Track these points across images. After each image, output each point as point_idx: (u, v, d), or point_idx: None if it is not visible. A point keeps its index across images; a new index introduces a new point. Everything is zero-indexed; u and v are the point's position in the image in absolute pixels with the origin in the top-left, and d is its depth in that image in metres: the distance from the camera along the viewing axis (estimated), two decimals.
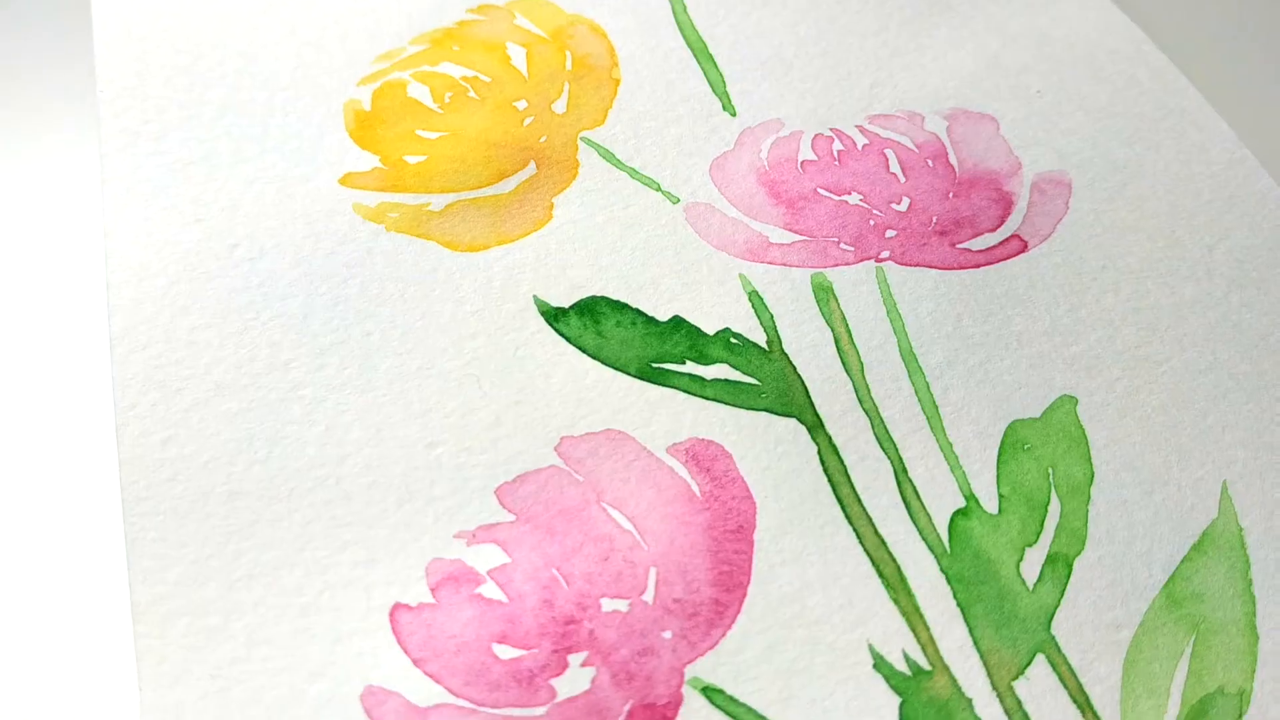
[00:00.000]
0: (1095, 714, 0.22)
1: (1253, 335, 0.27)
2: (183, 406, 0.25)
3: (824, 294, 0.27)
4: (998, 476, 0.25)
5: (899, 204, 0.28)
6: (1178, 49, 0.32)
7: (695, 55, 0.31)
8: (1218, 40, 0.34)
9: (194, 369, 0.25)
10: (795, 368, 0.26)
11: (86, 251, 0.28)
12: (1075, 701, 0.23)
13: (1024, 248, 0.28)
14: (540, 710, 0.22)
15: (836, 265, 0.27)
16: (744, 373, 0.26)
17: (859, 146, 0.29)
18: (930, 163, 0.29)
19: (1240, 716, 0.23)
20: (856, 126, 0.30)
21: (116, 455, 0.24)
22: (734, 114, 0.30)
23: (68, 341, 0.27)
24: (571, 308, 0.27)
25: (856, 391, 0.26)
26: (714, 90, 0.31)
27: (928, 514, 0.24)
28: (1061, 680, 0.23)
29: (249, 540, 0.23)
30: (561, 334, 0.26)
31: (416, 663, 0.22)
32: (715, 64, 0.31)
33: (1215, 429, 0.26)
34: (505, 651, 0.22)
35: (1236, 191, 0.29)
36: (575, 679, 0.22)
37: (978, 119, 0.30)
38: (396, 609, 0.23)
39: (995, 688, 0.23)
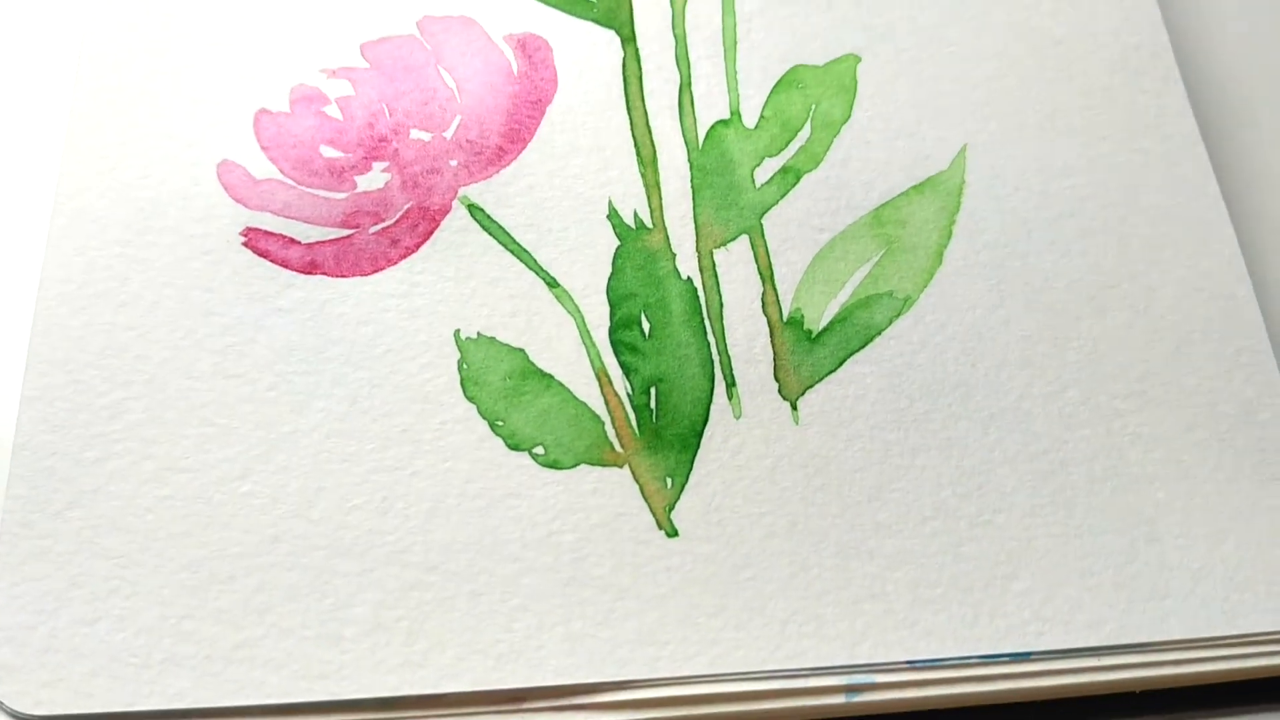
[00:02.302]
0: (774, 286, 0.28)
1: (1048, 42, 0.31)
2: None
3: None
4: (765, 103, 0.30)
5: None
6: None
7: None
8: None
9: None
10: None
11: None
12: (761, 275, 0.28)
13: None
14: (342, 195, 0.28)
15: None
16: None
17: None
18: None
19: (898, 315, 0.28)
20: None
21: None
22: None
23: None
24: None
25: (673, 19, 0.30)
26: None
27: (695, 119, 0.29)
28: (755, 257, 0.28)
29: (181, 77, 0.30)
30: None
31: (263, 149, 0.29)
32: None
33: (975, 102, 0.30)
34: (329, 151, 0.29)
35: None
36: (373, 179, 0.28)
37: None
38: (260, 113, 0.29)
39: (699, 251, 0.28)
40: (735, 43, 0.30)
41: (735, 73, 0.30)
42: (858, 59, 0.30)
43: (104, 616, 0.24)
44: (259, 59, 0.30)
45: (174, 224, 0.28)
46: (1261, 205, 0.30)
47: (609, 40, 0.30)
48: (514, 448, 0.26)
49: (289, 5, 0.31)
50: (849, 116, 0.29)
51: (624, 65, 0.30)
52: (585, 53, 0.30)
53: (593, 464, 0.26)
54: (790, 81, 0.30)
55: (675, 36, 0.30)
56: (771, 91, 0.30)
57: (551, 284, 0.27)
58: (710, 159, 0.29)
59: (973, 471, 0.26)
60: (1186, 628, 0.25)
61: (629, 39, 0.30)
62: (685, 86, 0.30)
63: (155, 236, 0.28)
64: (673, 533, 0.25)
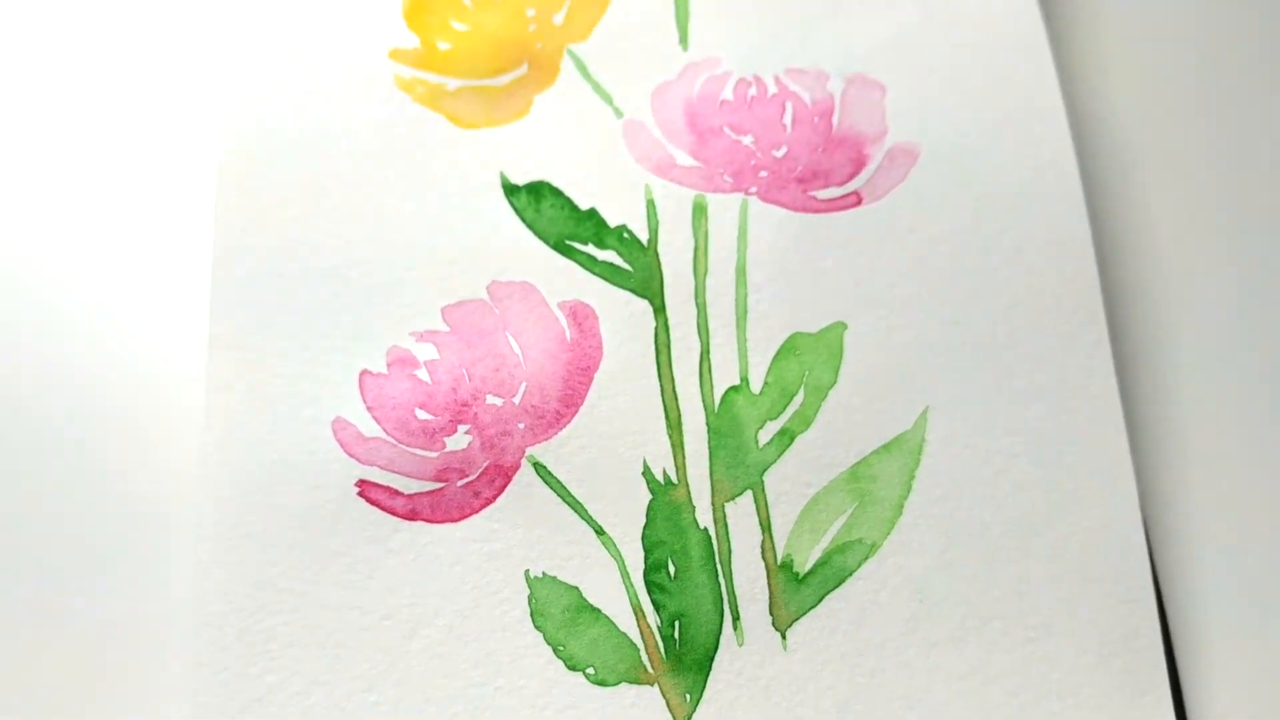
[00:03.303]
0: (770, 535, 0.36)
1: (1002, 307, 0.38)
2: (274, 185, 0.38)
3: (699, 212, 0.38)
4: (769, 369, 0.37)
5: (778, 150, 0.38)
6: (1074, 51, 0.40)
7: None
8: (1114, 53, 0.41)
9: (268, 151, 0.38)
10: (660, 264, 0.37)
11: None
12: (761, 524, 0.36)
13: (858, 202, 0.38)
14: (434, 454, 0.36)
15: (716, 191, 0.38)
16: (625, 260, 0.37)
17: (769, 94, 0.39)
18: (816, 119, 0.39)
19: (866, 558, 0.36)
20: (774, 76, 0.39)
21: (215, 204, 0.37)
22: (686, 48, 0.40)
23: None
24: (524, 186, 0.38)
25: (696, 290, 0.37)
26: (677, 24, 0.40)
27: (712, 385, 0.37)
28: (757, 509, 0.36)
29: (296, 340, 0.37)
30: (512, 205, 0.38)
31: (368, 409, 0.36)
32: (687, 3, 0.40)
33: (942, 369, 0.37)
34: (422, 414, 0.36)
35: (1049, 199, 0.38)
36: (459, 440, 0.36)
37: (870, 85, 0.39)
38: (364, 374, 0.36)
39: (713, 504, 0.36)
40: (745, 313, 0.37)
41: (745, 341, 0.37)
42: (845, 326, 0.37)
43: None
44: (359, 321, 0.37)
45: (300, 476, 0.36)
46: (1162, 453, 0.38)
47: (644, 310, 0.37)
48: (571, 669, 0.34)
49: (382, 269, 0.37)
50: (835, 381, 0.37)
51: (656, 335, 0.37)
52: (624, 322, 0.37)
53: (631, 683, 0.35)
54: (789, 349, 0.37)
55: (697, 306, 0.37)
56: (774, 359, 0.37)
57: (599, 532, 0.35)
58: (724, 422, 0.36)
59: (918, 690, 0.35)
60: None
61: (659, 309, 0.37)
62: (705, 355, 0.37)
63: (285, 488, 0.35)
64: None
